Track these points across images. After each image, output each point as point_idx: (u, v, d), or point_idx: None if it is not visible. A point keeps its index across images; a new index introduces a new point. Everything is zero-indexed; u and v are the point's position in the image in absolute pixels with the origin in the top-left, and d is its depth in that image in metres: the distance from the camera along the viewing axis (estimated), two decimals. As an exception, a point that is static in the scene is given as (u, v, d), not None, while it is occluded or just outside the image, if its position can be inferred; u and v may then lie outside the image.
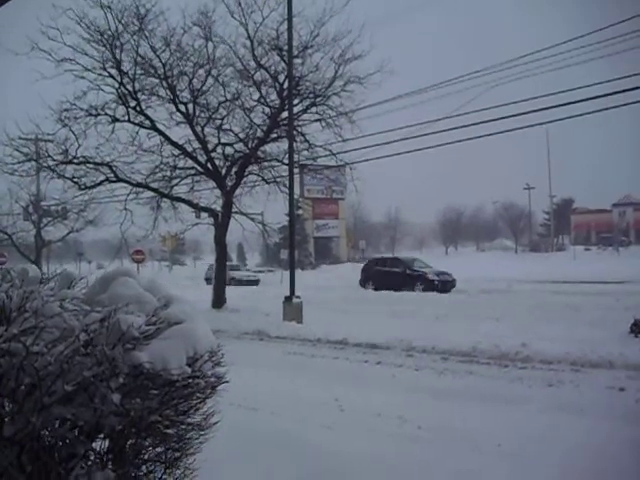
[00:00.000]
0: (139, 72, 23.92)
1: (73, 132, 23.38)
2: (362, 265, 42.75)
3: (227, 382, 4.27)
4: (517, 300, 25.99)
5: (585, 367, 12.62)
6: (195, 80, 24.52)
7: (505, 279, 38.31)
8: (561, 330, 16.41)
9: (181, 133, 25.60)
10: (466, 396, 10.31)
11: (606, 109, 20.67)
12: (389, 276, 36.83)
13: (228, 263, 54.58)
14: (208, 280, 47.93)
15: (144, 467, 3.97)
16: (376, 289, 35.59)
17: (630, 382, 11.04)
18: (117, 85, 23.59)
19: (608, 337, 14.74)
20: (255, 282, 49.56)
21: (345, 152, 26.10)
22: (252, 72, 24.90)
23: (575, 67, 22.60)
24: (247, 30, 23.95)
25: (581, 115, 21.45)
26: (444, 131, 23.65)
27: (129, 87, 23.76)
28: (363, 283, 39.10)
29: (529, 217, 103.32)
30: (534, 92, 21.74)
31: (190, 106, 24.94)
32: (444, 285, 34.55)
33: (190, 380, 3.87)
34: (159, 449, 4.00)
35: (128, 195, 25.55)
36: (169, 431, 3.90)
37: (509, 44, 52.39)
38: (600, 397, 10.22)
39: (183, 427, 4.05)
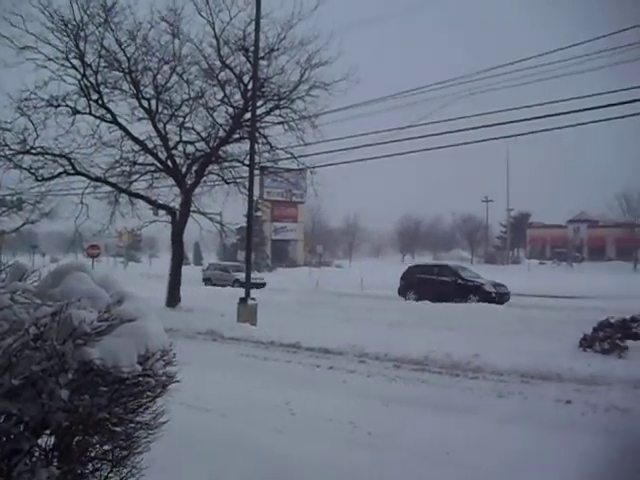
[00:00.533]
0: (103, 65, 23.66)
1: (32, 122, 23.01)
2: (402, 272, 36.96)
3: (178, 382, 4.23)
4: (471, 310, 26.19)
5: (535, 379, 12.77)
6: (159, 76, 24.38)
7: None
8: (513, 342, 16.59)
9: (142, 129, 25.43)
10: (417, 404, 10.37)
11: (571, 126, 21.08)
12: (436, 285, 33.05)
13: (232, 264, 52.25)
14: (206, 281, 46.56)
15: (90, 465, 3.91)
16: (419, 299, 32.03)
17: (577, 395, 11.21)
18: (79, 77, 23.30)
19: (558, 350, 14.91)
20: (262, 285, 43.34)
21: (306, 156, 26.16)
22: (217, 71, 24.81)
23: (540, 83, 22.90)
24: (214, 29, 23.87)
25: (543, 131, 21.82)
26: (405, 140, 23.77)
27: (92, 79, 23.48)
28: (403, 292, 35.06)
29: (486, 229, 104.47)
30: (498, 105, 21.97)
31: (153, 102, 24.77)
32: (501, 297, 31.56)
33: (141, 378, 3.83)
34: (106, 447, 3.94)
35: (86, 189, 25.26)
36: (117, 429, 3.84)
37: (479, 55, 52.92)
38: (548, 409, 10.35)
39: (132, 425, 3.99)
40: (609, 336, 15.01)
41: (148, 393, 3.99)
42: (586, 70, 21.44)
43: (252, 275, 46.52)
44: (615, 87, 18.96)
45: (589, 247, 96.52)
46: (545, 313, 25.32)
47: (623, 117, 19.45)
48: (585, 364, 13.35)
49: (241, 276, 45.66)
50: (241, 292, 22.21)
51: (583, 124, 20.86)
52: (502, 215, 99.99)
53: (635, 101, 18.24)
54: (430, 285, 33.33)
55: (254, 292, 22.40)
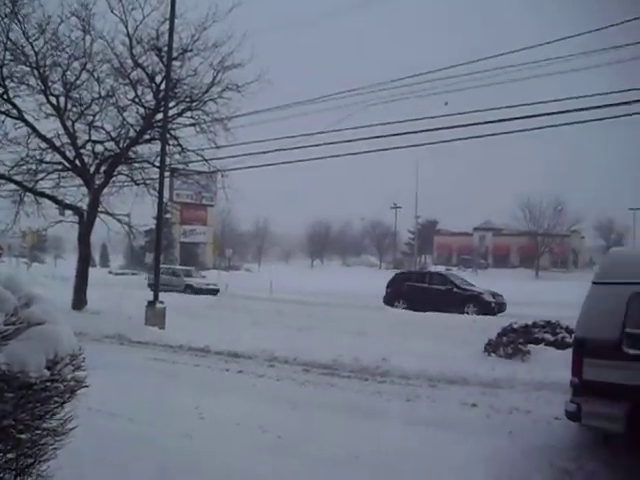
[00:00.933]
0: (9, 58, 22.81)
1: None
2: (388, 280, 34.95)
3: (87, 387, 4.14)
4: (381, 315, 26.48)
5: (441, 383, 13.06)
6: (69, 73, 23.68)
7: (368, 294, 39.05)
8: (420, 346, 16.82)
9: (50, 126, 24.65)
10: (326, 408, 10.42)
11: (473, 137, 21.59)
12: (429, 294, 31.14)
13: (183, 268, 48.87)
14: (152, 286, 43.38)
15: (-8, 474, 3.78)
16: (410, 308, 29.70)
17: (482, 398, 11.55)
18: (-17, 70, 22.51)
19: (464, 355, 15.24)
20: (215, 291, 42.31)
21: (218, 159, 25.96)
22: (129, 70, 24.28)
23: (451, 94, 23.31)
24: (126, 27, 23.35)
25: (447, 142, 22.33)
26: (316, 146, 23.85)
27: (-4, 73, 22.72)
28: (390, 301, 32.72)
29: (394, 236, 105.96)
30: (409, 114, 22.31)
31: (62, 99, 24.09)
32: (500, 307, 30.18)
33: (49, 383, 3.74)
34: (10, 455, 3.82)
35: (-12, 186, 24.40)
36: (23, 436, 3.74)
37: (395, 63, 53.65)
38: (454, 412, 10.60)
39: (38, 432, 3.89)
40: (512, 341, 15.47)
41: (56, 399, 3.90)
42: (508, 81, 22.05)
43: (203, 280, 44.69)
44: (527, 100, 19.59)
45: (494, 254, 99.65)
46: (451, 318, 25.79)
47: (529, 129, 20.14)
48: (490, 368, 13.72)
49: (195, 281, 43.89)
50: (149, 295, 21.85)
51: (488, 135, 21.45)
52: (410, 222, 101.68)
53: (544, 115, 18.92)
54: (422, 294, 31.45)
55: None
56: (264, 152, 24.77)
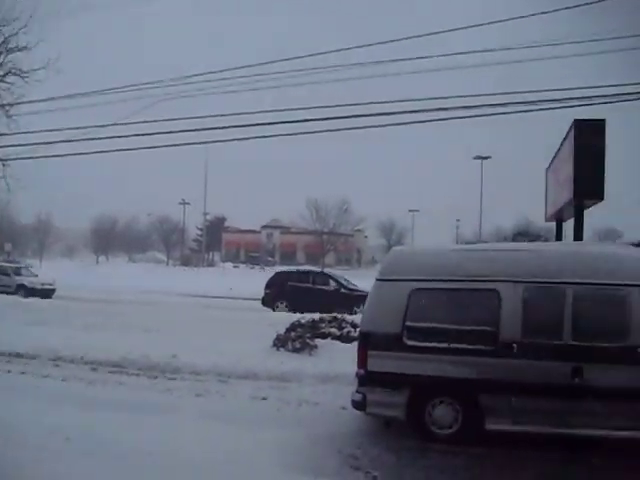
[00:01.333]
0: None
1: None
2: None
3: None
4: (167, 312, 26.14)
5: (232, 378, 13.28)
6: None
7: (155, 291, 38.70)
8: (210, 342, 16.80)
9: None
10: (116, 407, 10.25)
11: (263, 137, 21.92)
12: (315, 295, 29.13)
13: (10, 265, 42.11)
14: None
15: None
16: (294, 310, 25.78)
17: (272, 392, 11.93)
18: None
19: (254, 350, 15.36)
20: (51, 292, 35.96)
21: (-1, 147, 24.53)
22: None
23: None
24: None
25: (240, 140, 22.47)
26: (107, 138, 23.10)
27: None
28: (270, 302, 30.28)
29: (182, 232, 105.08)
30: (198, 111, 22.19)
31: None
32: None
33: None
34: None
35: None
36: None
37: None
38: (245, 406, 10.91)
39: None
40: (300, 336, 15.89)
41: None
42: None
43: (36, 279, 38.58)
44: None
45: (281, 251, 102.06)
46: (240, 314, 26.03)
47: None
48: (279, 362, 14.08)
49: (27, 280, 37.17)
50: None
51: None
52: (199, 218, 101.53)
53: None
54: (307, 294, 29.32)
55: None
56: (49, 143, 23.67)
